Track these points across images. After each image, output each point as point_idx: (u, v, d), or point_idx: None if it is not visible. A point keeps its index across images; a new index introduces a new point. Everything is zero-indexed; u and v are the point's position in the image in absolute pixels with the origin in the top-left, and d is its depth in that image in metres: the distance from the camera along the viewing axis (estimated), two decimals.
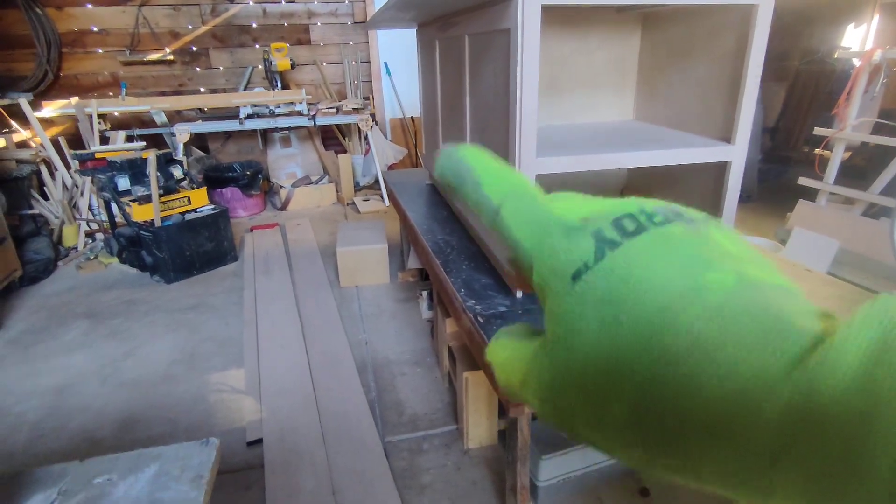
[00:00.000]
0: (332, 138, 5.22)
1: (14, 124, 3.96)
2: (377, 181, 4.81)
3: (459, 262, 1.89)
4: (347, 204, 4.83)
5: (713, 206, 1.51)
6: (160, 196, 3.20)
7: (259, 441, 1.90)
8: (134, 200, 3.21)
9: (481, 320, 1.50)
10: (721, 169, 1.45)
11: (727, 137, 1.43)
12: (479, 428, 1.86)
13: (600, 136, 2.02)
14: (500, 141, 1.49)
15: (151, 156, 3.20)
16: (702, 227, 0.19)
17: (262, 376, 2.27)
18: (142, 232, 3.24)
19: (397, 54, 5.06)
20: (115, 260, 3.52)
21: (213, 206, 3.48)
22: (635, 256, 0.18)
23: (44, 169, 3.78)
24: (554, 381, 0.19)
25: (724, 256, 0.18)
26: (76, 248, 3.79)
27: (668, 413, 0.16)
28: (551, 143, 1.87)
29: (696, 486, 0.17)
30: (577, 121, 2.40)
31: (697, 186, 1.62)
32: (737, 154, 1.40)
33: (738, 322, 0.16)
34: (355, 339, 2.58)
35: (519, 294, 1.63)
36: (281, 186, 4.82)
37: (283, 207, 4.76)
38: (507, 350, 0.23)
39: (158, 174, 3.20)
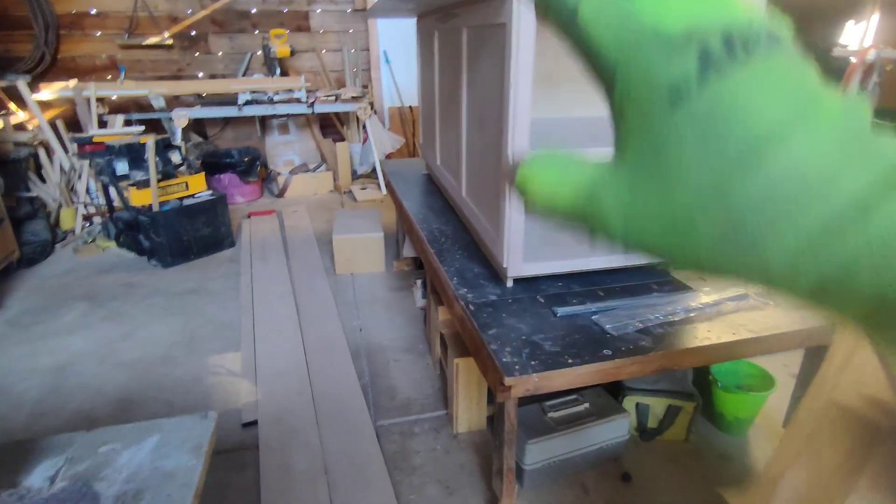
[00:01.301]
0: (331, 126, 5.23)
1: (12, 106, 3.96)
2: (374, 170, 4.83)
3: (453, 252, 1.93)
4: (344, 192, 4.86)
5: None
6: (158, 181, 3.22)
7: (254, 423, 1.95)
8: (132, 185, 3.23)
9: (472, 308, 1.55)
10: None
11: None
12: (468, 413, 1.91)
13: (595, 130, 2.05)
14: (496, 134, 1.53)
15: (150, 141, 3.21)
16: (803, 61, 0.18)
17: (258, 360, 2.31)
18: (140, 216, 3.27)
19: (397, 43, 5.06)
20: (112, 244, 3.54)
21: (210, 192, 3.50)
22: (743, 85, 0.17)
23: (41, 152, 3.79)
24: (635, 196, 0.20)
25: (825, 89, 0.18)
26: (73, 231, 3.81)
27: (760, 231, 0.17)
28: (544, 137, 1.91)
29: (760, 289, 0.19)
30: (574, 114, 2.43)
31: None
32: None
33: (844, 149, 0.17)
34: (350, 326, 2.63)
35: (510, 284, 1.67)
36: (278, 173, 4.83)
37: (281, 194, 4.79)
38: (553, 170, 0.22)
39: (157, 159, 3.21)
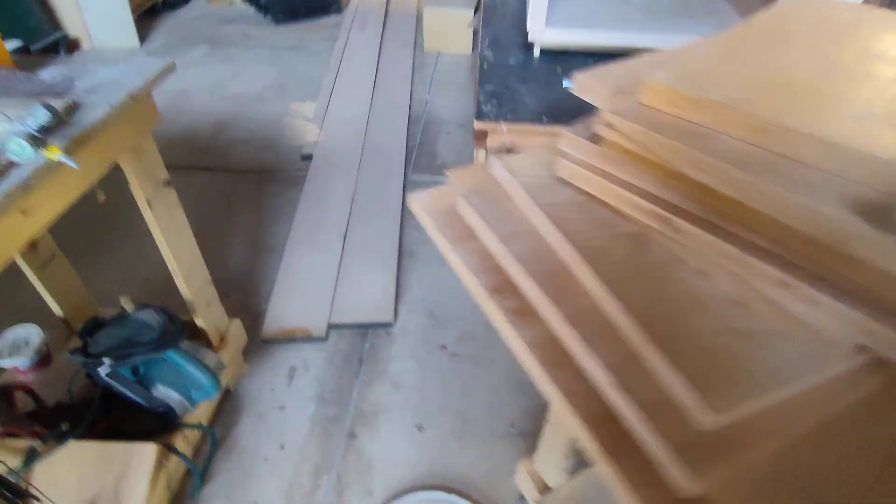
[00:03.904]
0: None
1: None
2: None
3: (501, 18, 1.91)
4: None
5: None
6: None
7: (311, 156, 2.29)
8: None
9: (486, 66, 1.59)
10: None
11: None
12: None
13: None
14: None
15: None
16: None
17: (328, 110, 2.59)
18: None
19: None
20: None
21: None
22: None
23: None
24: None
25: None
26: None
27: None
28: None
29: None
30: None
31: None
32: None
33: None
34: (420, 98, 2.77)
35: (536, 53, 1.65)
36: None
37: None
38: None
39: None
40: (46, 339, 1.30)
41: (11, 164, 0.68)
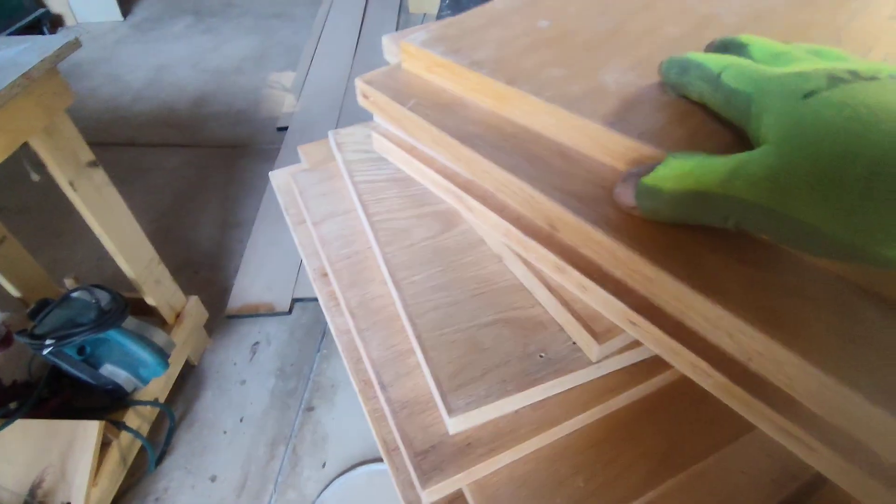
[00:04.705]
0: None
1: None
2: None
3: None
4: None
5: None
6: None
7: (286, 128, 2.26)
8: None
9: None
10: None
11: None
12: None
13: None
14: None
15: None
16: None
17: (307, 80, 2.54)
18: None
19: None
20: None
21: None
22: (865, 88, 0.23)
23: None
24: (781, 169, 0.23)
25: None
26: None
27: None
28: None
29: None
30: None
31: None
32: None
33: None
34: None
35: None
36: None
37: None
38: (690, 163, 0.26)
39: None
40: (5, 320, 1.32)
41: None
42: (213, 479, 1.28)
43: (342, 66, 2.61)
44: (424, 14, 3.13)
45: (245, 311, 1.60)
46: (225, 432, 1.37)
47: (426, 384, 0.35)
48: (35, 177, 1.10)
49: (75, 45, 0.95)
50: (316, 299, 1.63)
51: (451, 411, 0.30)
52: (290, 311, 1.60)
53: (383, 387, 0.34)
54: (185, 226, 1.90)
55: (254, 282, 1.67)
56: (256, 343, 1.55)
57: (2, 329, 1.31)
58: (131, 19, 3.27)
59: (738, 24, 0.39)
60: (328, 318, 0.47)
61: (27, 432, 1.11)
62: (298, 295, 1.62)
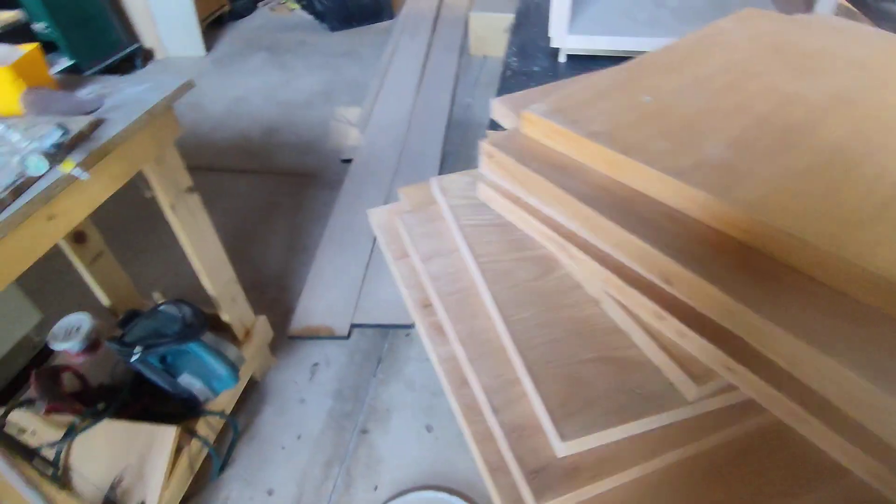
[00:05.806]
0: None
1: None
2: None
3: (534, 24, 1.90)
4: None
5: None
6: None
7: (350, 160, 2.38)
8: None
9: (509, 74, 1.60)
10: None
11: None
12: None
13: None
14: None
15: None
16: None
17: (371, 115, 2.68)
18: None
19: None
20: (298, 6, 4.03)
21: None
22: None
23: None
24: None
25: None
26: None
27: None
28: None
29: None
30: None
31: None
32: None
33: None
34: (462, 102, 2.80)
35: (562, 59, 1.65)
36: None
37: None
38: None
39: None
40: (96, 327, 1.44)
41: (36, 178, 0.78)
42: (269, 492, 1.34)
43: (405, 104, 2.74)
44: (484, 56, 3.25)
45: (307, 332, 1.68)
46: (283, 448, 1.42)
47: (531, 411, 0.39)
48: (148, 194, 1.20)
49: (189, 85, 1.06)
50: (374, 325, 1.69)
51: (563, 437, 0.34)
52: (348, 336, 1.67)
53: (496, 411, 0.39)
54: (255, 248, 2.01)
55: (316, 305, 1.75)
56: (316, 364, 1.62)
57: (92, 335, 1.42)
58: (213, 54, 3.54)
59: (822, 101, 0.43)
60: (429, 346, 0.51)
61: (111, 432, 1.20)
62: (357, 321, 1.69)
